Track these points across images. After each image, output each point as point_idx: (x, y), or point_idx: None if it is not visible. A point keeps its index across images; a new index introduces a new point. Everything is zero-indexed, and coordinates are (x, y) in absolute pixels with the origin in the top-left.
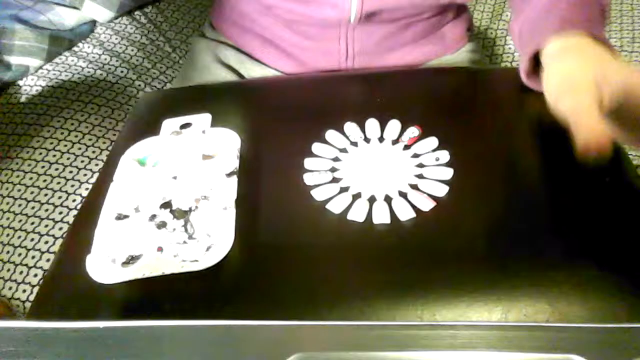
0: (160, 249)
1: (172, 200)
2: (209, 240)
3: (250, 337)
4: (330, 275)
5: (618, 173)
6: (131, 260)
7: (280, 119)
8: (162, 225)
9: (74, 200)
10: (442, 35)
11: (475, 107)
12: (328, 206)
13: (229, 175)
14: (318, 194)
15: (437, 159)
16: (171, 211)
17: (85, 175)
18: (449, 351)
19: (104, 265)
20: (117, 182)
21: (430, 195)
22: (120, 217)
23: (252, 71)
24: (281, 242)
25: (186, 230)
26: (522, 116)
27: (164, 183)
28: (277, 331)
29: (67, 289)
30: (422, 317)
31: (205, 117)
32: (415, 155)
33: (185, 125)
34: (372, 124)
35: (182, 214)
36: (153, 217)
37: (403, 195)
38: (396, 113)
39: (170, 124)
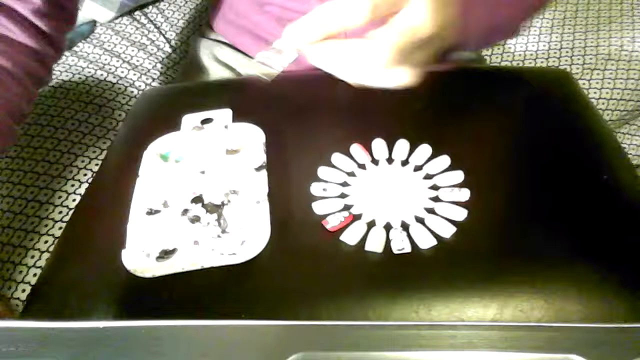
0: (196, 243)
1: (202, 194)
2: (243, 234)
3: (250, 337)
4: (330, 279)
5: (615, 171)
6: (165, 254)
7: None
8: (196, 219)
9: (74, 200)
10: None
11: (480, 111)
12: (342, 237)
13: (258, 169)
14: (329, 223)
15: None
16: (203, 205)
17: (85, 175)
18: (449, 351)
19: (141, 260)
20: (143, 177)
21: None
22: (151, 212)
23: (249, 69)
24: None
25: (219, 224)
26: (521, 115)
27: (193, 178)
28: (277, 331)
29: (103, 283)
30: (419, 312)
31: (226, 112)
32: (428, 177)
33: (205, 121)
34: (379, 145)
35: (215, 209)
36: (185, 211)
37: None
38: (401, 128)
39: (190, 120)
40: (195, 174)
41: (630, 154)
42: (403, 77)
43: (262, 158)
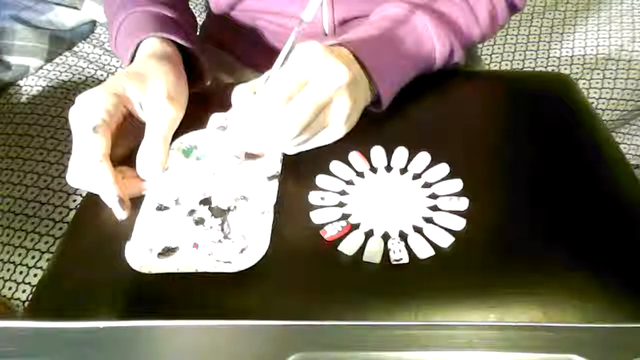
0: (195, 246)
1: (211, 197)
2: (244, 243)
3: (250, 337)
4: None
5: (615, 177)
6: (167, 252)
7: None
8: (200, 221)
9: (74, 201)
10: None
11: (480, 117)
12: (340, 247)
13: (270, 178)
14: (327, 233)
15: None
16: (210, 208)
17: None
18: (449, 351)
19: (142, 254)
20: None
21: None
22: (160, 208)
23: (244, 76)
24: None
25: (222, 229)
26: (520, 122)
27: (206, 178)
28: (277, 331)
29: (104, 274)
30: (417, 321)
31: None
32: (427, 185)
33: None
34: (377, 152)
35: (220, 213)
36: (192, 212)
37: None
38: (400, 135)
39: (217, 118)
40: (210, 175)
41: (630, 154)
42: (334, 133)
43: (277, 168)
